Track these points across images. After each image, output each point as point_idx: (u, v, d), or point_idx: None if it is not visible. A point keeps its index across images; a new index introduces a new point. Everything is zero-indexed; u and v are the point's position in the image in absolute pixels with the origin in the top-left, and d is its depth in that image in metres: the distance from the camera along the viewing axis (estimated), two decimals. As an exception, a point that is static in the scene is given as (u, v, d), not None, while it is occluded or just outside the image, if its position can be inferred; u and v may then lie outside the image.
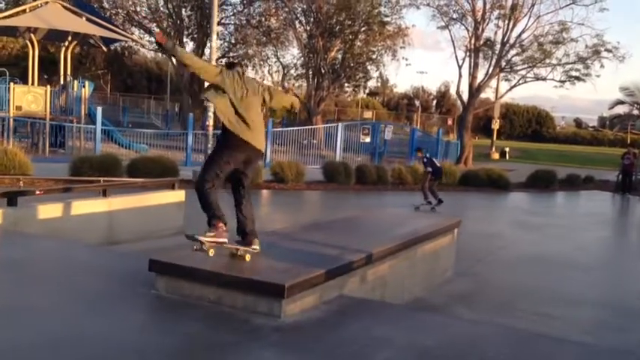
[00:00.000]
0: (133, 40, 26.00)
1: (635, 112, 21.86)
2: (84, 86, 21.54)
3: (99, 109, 20.70)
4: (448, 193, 17.55)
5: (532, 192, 20.07)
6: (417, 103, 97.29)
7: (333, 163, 18.03)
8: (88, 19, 21.53)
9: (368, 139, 24.72)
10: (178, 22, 34.23)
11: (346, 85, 34.26)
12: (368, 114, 46.96)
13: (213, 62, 15.14)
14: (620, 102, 22.06)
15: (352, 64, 31.59)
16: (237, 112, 4.53)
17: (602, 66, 26.77)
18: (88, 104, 22.00)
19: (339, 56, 32.51)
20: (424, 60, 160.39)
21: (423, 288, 6.46)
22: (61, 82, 22.27)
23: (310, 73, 31.69)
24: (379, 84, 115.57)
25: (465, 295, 6.71)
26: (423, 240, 6.22)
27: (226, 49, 35.97)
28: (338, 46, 30.60)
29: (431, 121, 66.49)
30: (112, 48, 38.43)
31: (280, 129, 24.08)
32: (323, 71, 31.12)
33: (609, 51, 26.27)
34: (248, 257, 4.53)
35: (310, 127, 26.18)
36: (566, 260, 9.18)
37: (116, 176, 14.06)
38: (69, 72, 22.22)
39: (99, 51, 36.89)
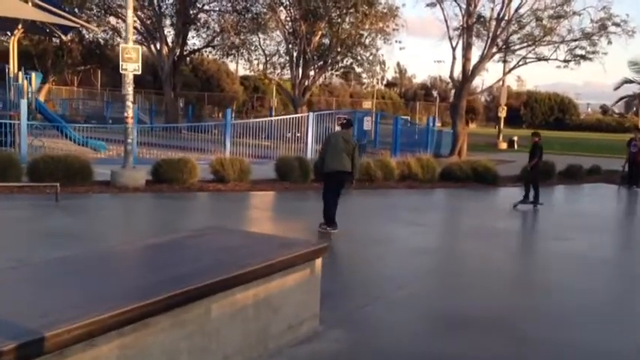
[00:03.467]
0: (83, 26, 23.89)
1: (646, 91, 19.30)
2: (27, 78, 19.62)
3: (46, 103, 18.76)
4: (405, 193, 15.31)
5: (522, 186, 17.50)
6: (435, 93, 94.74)
7: (286, 158, 15.73)
8: (34, 5, 19.62)
9: (345, 130, 22.26)
10: (158, 9, 32.19)
11: (333, 71, 31.75)
12: (367, 104, 44.36)
13: (130, 43, 12.86)
14: (629, 81, 19.40)
15: (340, 49, 29.14)
16: None
17: (609, 42, 23.91)
18: (35, 98, 20.18)
19: (326, 42, 30.12)
20: (417, 46, 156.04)
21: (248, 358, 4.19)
22: (11, 74, 20.45)
23: (294, 60, 29.34)
24: (397, 74, 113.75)
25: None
26: (221, 287, 3.92)
27: (210, 38, 33.85)
28: (322, 29, 28.16)
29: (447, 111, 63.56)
30: (93, 40, 36.63)
31: (242, 121, 21.90)
32: (307, 58, 28.76)
33: (617, 25, 23.37)
34: None
35: (267, 119, 23.78)
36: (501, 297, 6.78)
37: (13, 180, 12.06)
38: (34, 64, 20.39)
39: (75, 44, 35.07)
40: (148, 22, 32.22)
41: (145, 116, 38.77)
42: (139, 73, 13.11)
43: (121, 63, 12.67)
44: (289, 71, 30.12)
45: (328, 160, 9.30)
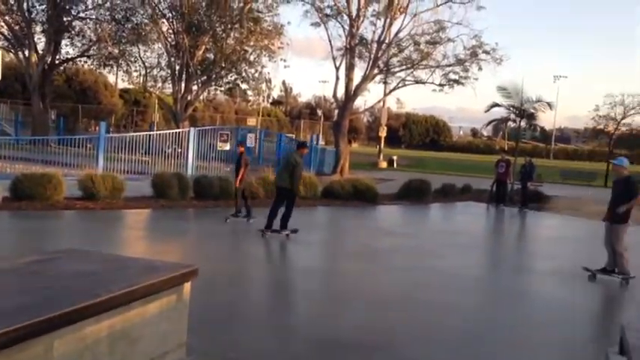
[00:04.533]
0: None
1: (512, 115, 20.64)
2: None
3: None
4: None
5: (401, 204, 18.00)
6: (320, 112, 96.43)
7: (164, 174, 15.04)
8: None
9: (227, 147, 21.85)
10: (27, 14, 30.01)
11: (217, 86, 31.17)
12: (252, 121, 44.12)
13: None
14: (497, 104, 20.81)
15: (224, 65, 28.65)
16: None
17: (480, 68, 25.46)
18: None
19: (210, 56, 29.53)
20: (303, 65, 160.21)
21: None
22: None
23: (176, 74, 28.44)
24: (282, 92, 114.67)
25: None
26: (67, 320, 3.44)
27: (85, 47, 32.02)
28: (206, 44, 27.58)
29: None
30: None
31: (118, 135, 20.84)
32: (190, 72, 28.00)
33: (487, 52, 24.98)
34: None
35: (146, 133, 22.87)
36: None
37: None
38: None
39: None
40: (17, 27, 29.96)
41: (9, 128, 35.94)
42: (-1, 79, 11.96)
43: (-25, 68, 11.50)
44: (171, 85, 29.16)
45: (276, 176, 11.29)
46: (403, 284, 8.05)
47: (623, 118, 35.74)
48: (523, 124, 22.20)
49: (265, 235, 10.61)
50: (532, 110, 21.52)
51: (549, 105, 22.40)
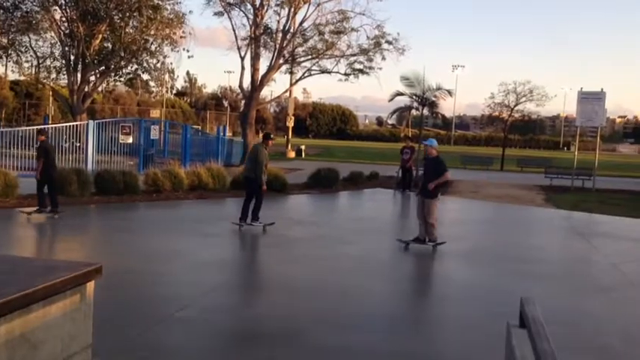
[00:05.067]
0: None
1: (415, 104, 21.39)
2: None
3: None
4: (196, 203, 14.98)
5: (310, 193, 18.15)
6: (226, 102, 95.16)
7: (61, 170, 14.29)
8: None
9: (130, 140, 21.10)
10: None
11: (117, 77, 29.99)
12: (156, 113, 42.86)
13: None
14: (400, 93, 21.46)
15: (123, 55, 27.59)
16: None
17: (383, 58, 26.06)
18: None
19: (109, 46, 28.34)
20: (207, 55, 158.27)
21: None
22: None
23: (72, 64, 27.07)
24: (187, 83, 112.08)
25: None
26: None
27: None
28: (103, 32, 26.41)
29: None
30: None
31: (9, 129, 19.64)
32: (87, 62, 26.74)
33: (390, 42, 25.62)
34: None
35: (40, 127, 21.65)
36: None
37: None
38: None
39: None
40: None
41: None
42: None
43: None
44: (66, 76, 27.72)
45: (244, 168, 11.85)
46: (313, 271, 8.13)
47: (515, 106, 37.81)
48: (425, 111, 23.00)
49: (241, 227, 10.99)
50: (433, 98, 22.35)
51: (449, 93, 23.39)
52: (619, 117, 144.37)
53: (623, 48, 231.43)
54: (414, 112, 25.68)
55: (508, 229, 13.77)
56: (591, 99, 22.81)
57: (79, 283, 4.34)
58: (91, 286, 4.49)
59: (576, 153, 24.86)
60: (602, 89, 22.87)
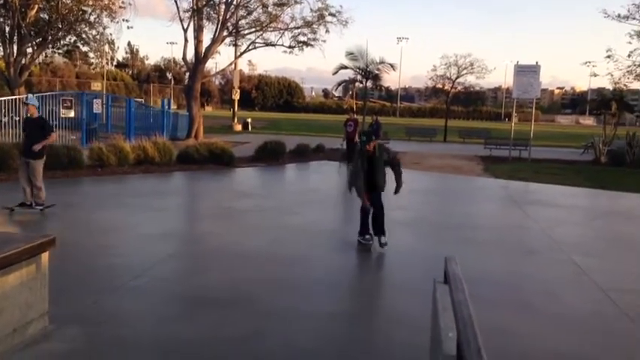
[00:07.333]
0: None
1: (359, 77, 21.73)
2: None
3: None
4: (142, 177, 14.99)
5: (257, 166, 18.36)
6: (170, 75, 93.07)
7: (3, 145, 14.03)
8: None
9: (72, 114, 20.68)
10: None
11: (54, 49, 29.08)
12: (97, 86, 41.76)
13: None
14: (344, 67, 21.77)
15: (61, 26, 26.75)
16: None
17: (327, 31, 26.25)
18: None
19: (45, 16, 27.40)
20: (149, 27, 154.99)
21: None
22: None
23: (7, 36, 26.08)
24: (128, 54, 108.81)
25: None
26: None
27: None
28: (39, 3, 25.51)
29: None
30: None
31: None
32: (23, 33, 25.81)
33: (333, 15, 25.79)
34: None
35: None
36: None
37: None
38: None
39: None
40: None
41: None
42: None
43: None
44: (1, 48, 26.72)
45: None
46: (260, 241, 8.43)
47: (457, 78, 38.68)
48: (369, 84, 23.37)
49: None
50: (377, 71, 22.76)
51: (392, 66, 23.88)
52: (557, 88, 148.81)
53: (560, 21, 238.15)
54: (358, 84, 26.09)
55: (449, 198, 14.41)
56: (527, 72, 23.73)
57: (34, 254, 4.53)
58: (45, 256, 4.69)
59: (513, 124, 25.89)
60: (537, 62, 23.83)
